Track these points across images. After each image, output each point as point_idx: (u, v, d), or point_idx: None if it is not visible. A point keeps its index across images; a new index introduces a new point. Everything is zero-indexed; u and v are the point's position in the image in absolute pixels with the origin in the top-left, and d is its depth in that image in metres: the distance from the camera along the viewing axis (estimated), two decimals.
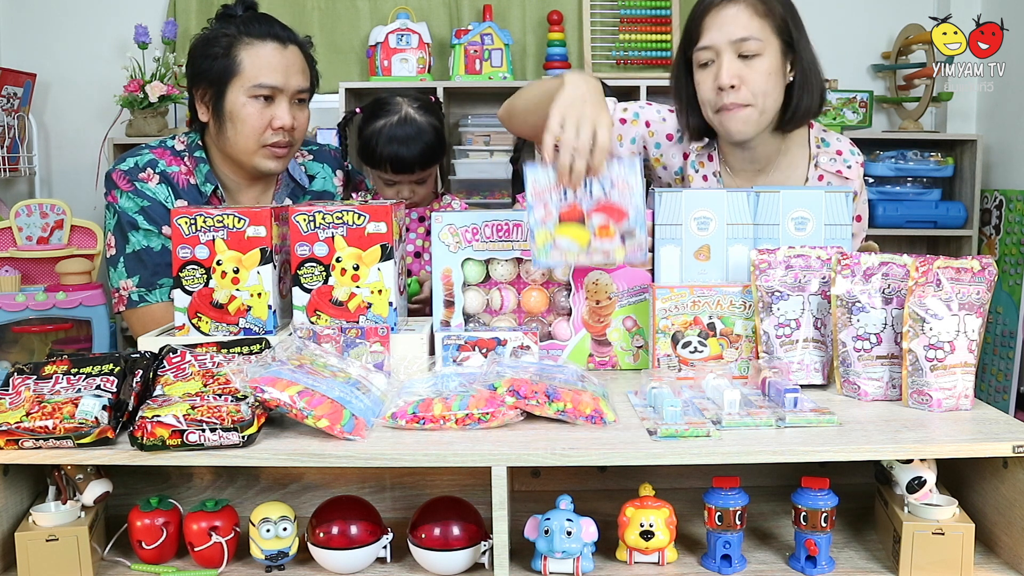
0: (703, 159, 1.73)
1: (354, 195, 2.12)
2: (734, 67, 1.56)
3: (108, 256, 1.76)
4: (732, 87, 1.55)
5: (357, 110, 2.04)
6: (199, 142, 1.79)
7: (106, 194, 1.76)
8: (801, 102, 1.61)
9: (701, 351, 1.37)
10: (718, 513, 1.13)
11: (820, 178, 1.70)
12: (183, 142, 1.80)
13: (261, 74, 1.66)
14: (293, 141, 1.73)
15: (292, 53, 1.71)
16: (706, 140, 1.72)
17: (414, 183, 1.97)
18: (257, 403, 1.11)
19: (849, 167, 1.71)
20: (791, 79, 1.61)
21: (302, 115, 1.74)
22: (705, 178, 1.73)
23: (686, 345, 1.37)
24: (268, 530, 1.13)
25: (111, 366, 1.18)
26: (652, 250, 1.47)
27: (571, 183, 1.32)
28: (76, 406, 1.09)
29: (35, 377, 1.17)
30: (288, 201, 1.84)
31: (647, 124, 1.74)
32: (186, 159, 1.77)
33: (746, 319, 1.37)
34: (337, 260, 1.40)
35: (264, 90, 1.67)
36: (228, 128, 1.70)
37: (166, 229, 1.71)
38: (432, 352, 1.41)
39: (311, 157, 1.94)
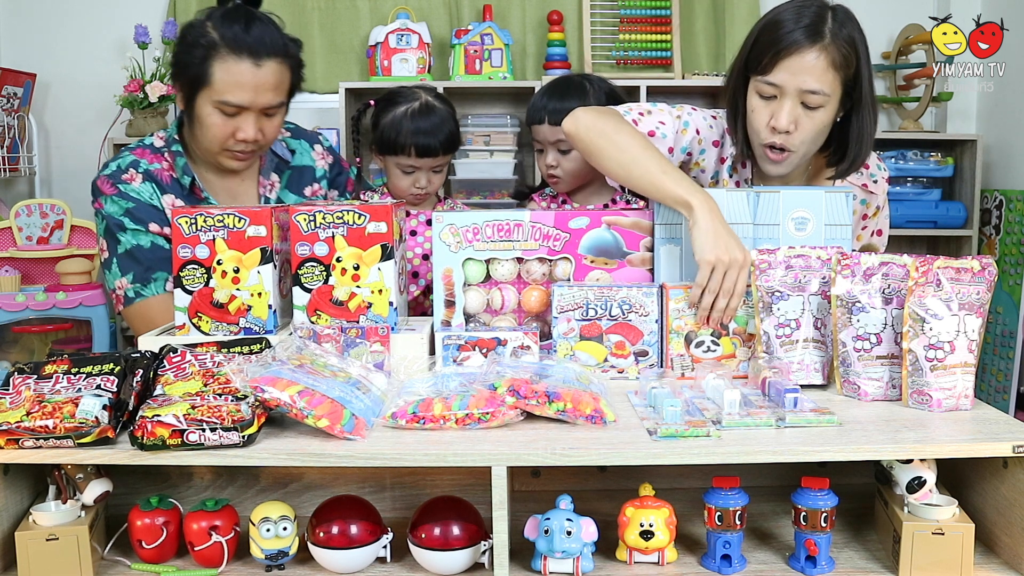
0: (738, 164, 1.73)
1: (362, 195, 2.12)
2: (794, 113, 1.53)
3: (102, 261, 1.77)
4: (786, 133, 1.54)
5: (371, 103, 2.06)
6: (175, 136, 1.80)
7: (93, 202, 1.77)
8: (859, 155, 1.60)
9: (714, 350, 1.38)
10: (718, 513, 1.13)
11: None
12: (162, 138, 1.81)
13: (228, 91, 1.65)
14: (258, 148, 1.75)
15: (266, 71, 1.67)
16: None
17: (432, 170, 2.01)
18: (257, 403, 1.11)
19: (875, 181, 1.72)
20: (838, 119, 1.59)
21: (271, 124, 1.74)
22: (738, 183, 1.73)
23: (699, 344, 1.38)
24: (268, 530, 1.13)
25: (111, 366, 1.18)
26: (652, 250, 1.47)
27: (713, 322, 1.38)
28: (76, 406, 1.09)
29: (35, 377, 1.18)
30: (274, 175, 1.87)
31: (697, 131, 1.69)
32: (165, 155, 1.78)
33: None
34: (337, 260, 1.40)
35: (229, 107, 1.67)
36: (196, 127, 1.73)
37: (153, 226, 1.72)
38: (432, 352, 1.42)
39: (289, 135, 1.96)
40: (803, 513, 1.13)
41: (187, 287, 1.41)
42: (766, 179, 1.72)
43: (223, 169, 1.80)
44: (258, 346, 1.28)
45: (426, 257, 2.01)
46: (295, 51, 1.76)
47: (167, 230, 1.71)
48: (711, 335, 1.38)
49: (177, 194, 1.76)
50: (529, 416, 1.18)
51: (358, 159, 2.23)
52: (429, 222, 2.01)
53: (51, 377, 1.17)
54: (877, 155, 1.76)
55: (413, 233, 2.03)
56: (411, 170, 1.99)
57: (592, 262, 1.47)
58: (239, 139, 1.69)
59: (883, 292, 1.28)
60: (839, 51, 1.51)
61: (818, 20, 1.52)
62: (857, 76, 1.54)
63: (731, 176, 1.73)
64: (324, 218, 1.40)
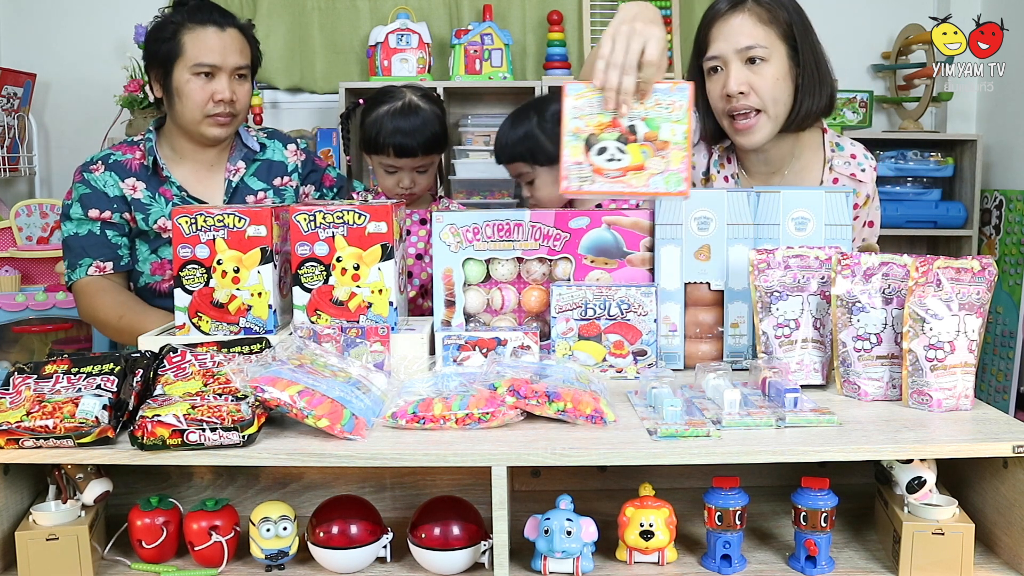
0: (724, 161, 1.75)
1: (354, 195, 2.13)
2: (741, 75, 1.57)
3: None
4: (741, 93, 1.57)
5: (360, 101, 2.06)
6: (152, 127, 1.99)
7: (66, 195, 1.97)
8: (803, 105, 1.62)
9: (619, 159, 1.22)
10: (718, 513, 1.13)
11: (835, 181, 1.72)
12: (142, 134, 2.01)
13: (201, 54, 1.86)
14: (235, 112, 1.93)
15: (230, 35, 1.90)
16: (728, 142, 1.73)
17: (415, 171, 1.99)
18: (257, 403, 1.11)
19: (863, 170, 1.73)
20: (800, 82, 1.62)
21: (242, 88, 1.93)
22: (726, 179, 1.75)
23: (602, 151, 1.22)
24: (268, 529, 1.13)
25: (111, 366, 1.18)
26: (652, 250, 1.47)
27: (618, 103, 1.24)
28: (76, 405, 1.09)
29: (35, 377, 1.18)
30: (241, 163, 2.01)
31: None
32: (140, 145, 1.97)
33: (675, 122, 1.23)
34: (338, 260, 1.40)
35: (204, 68, 1.87)
36: (176, 102, 1.90)
37: (93, 212, 1.90)
38: (432, 352, 1.42)
39: (264, 135, 2.12)
40: (803, 513, 1.13)
41: (187, 287, 1.41)
42: (753, 175, 1.73)
43: (203, 144, 1.95)
44: (258, 346, 1.28)
45: (419, 257, 2.01)
46: (251, 29, 1.98)
47: (107, 214, 1.90)
48: (617, 139, 1.21)
49: (140, 177, 1.93)
50: (529, 416, 1.18)
51: (348, 157, 2.24)
52: (422, 221, 2.01)
53: (51, 377, 1.17)
54: (864, 147, 1.78)
55: (408, 232, 2.03)
56: (393, 170, 1.98)
57: (592, 262, 1.47)
58: (217, 100, 1.88)
59: (883, 292, 1.28)
60: (764, 9, 1.58)
61: None
62: (792, 28, 1.59)
63: (719, 171, 1.75)
64: (324, 218, 1.40)
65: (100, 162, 1.94)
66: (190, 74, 1.86)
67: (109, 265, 1.90)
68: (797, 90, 1.61)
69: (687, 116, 1.23)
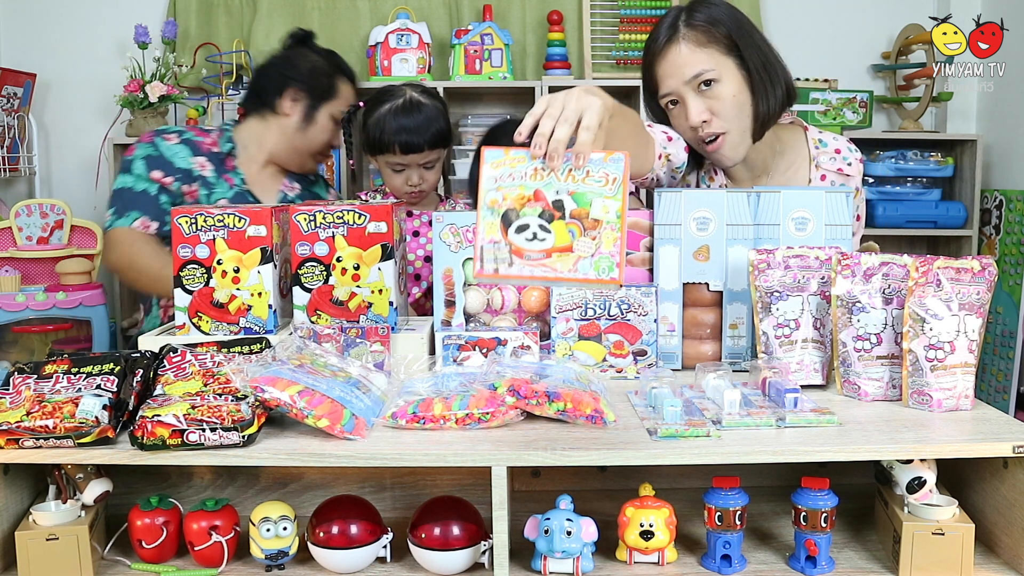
0: (712, 173, 1.75)
1: (360, 194, 2.14)
2: (699, 104, 1.57)
3: None
4: (704, 122, 1.57)
5: (360, 104, 2.06)
6: (231, 122, 2.14)
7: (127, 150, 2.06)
8: (760, 107, 1.60)
9: (543, 239, 1.06)
10: (718, 513, 1.13)
11: (823, 178, 1.71)
12: (218, 126, 2.16)
13: (344, 105, 2.10)
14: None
15: None
16: None
17: (422, 167, 2.00)
18: (257, 403, 1.11)
19: (849, 164, 1.73)
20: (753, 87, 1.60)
21: None
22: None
23: (522, 229, 1.05)
24: (268, 529, 1.13)
25: (111, 365, 1.18)
26: (651, 250, 1.47)
27: (549, 154, 1.07)
28: (76, 405, 1.09)
29: (35, 376, 1.18)
30: (297, 184, 2.15)
31: (686, 150, 1.72)
32: (213, 133, 2.09)
33: (608, 198, 1.06)
34: (338, 260, 1.40)
35: (338, 117, 2.09)
36: (311, 130, 2.07)
37: (156, 174, 1.98)
38: (432, 352, 1.42)
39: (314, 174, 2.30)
40: (803, 513, 1.13)
41: (187, 287, 1.41)
42: (739, 182, 1.73)
43: (284, 162, 2.11)
44: (258, 346, 1.28)
45: (428, 259, 2.01)
46: None
47: (169, 180, 1.98)
48: (540, 216, 1.04)
49: (210, 159, 2.04)
50: (529, 416, 1.18)
51: (351, 160, 2.26)
52: (431, 223, 2.01)
53: (51, 377, 1.17)
54: (847, 140, 1.78)
55: (416, 234, 2.03)
56: (400, 168, 1.99)
57: None
58: (334, 145, 2.12)
59: (883, 292, 1.28)
60: (699, 33, 1.56)
61: (672, 21, 1.59)
62: (732, 41, 1.56)
63: (708, 186, 1.75)
64: (324, 218, 1.40)
65: (175, 134, 2.04)
66: (330, 118, 2.07)
67: (154, 226, 1.95)
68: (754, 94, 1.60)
69: (621, 191, 1.07)
